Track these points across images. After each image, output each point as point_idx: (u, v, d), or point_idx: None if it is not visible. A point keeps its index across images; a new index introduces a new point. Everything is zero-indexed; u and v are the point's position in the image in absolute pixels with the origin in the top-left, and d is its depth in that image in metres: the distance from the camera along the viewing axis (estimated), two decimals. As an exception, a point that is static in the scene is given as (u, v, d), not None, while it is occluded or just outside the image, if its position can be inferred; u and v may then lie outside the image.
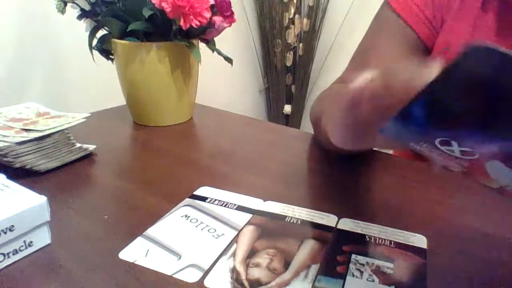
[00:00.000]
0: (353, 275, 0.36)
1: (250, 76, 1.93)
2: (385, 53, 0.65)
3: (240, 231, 0.42)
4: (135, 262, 0.37)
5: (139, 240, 0.41)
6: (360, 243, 0.41)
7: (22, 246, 0.37)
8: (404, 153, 0.73)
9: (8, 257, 0.37)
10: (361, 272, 0.37)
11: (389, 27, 0.66)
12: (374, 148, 0.61)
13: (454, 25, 0.62)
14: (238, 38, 1.78)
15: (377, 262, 0.38)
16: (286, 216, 0.45)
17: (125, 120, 0.77)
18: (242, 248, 0.39)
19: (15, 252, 0.37)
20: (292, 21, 1.76)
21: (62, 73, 1.22)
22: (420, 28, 0.64)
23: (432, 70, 0.24)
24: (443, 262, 0.39)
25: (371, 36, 0.69)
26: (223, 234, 0.42)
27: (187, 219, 0.44)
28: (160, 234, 0.41)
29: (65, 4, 0.71)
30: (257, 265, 0.37)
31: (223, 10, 0.70)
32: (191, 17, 0.64)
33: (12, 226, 0.36)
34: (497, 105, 0.22)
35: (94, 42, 0.76)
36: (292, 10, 1.75)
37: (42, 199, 0.38)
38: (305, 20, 1.78)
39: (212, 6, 0.67)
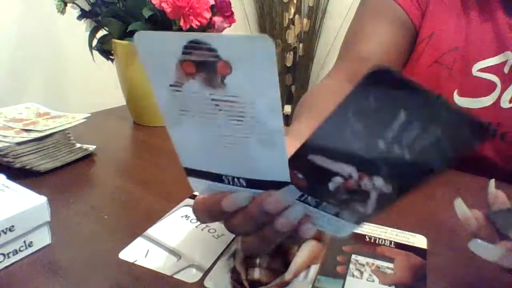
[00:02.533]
0: (353, 275, 0.36)
1: (250, 76, 1.93)
2: (375, 33, 0.63)
3: (240, 231, 0.42)
4: (135, 262, 0.37)
5: (139, 240, 0.41)
6: (360, 243, 0.41)
7: (22, 246, 0.37)
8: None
9: (8, 257, 0.37)
10: (361, 272, 0.37)
11: (379, 8, 0.64)
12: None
13: (438, 10, 0.62)
14: (238, 38, 1.78)
15: (377, 262, 0.38)
16: (286, 216, 0.45)
17: (125, 120, 0.77)
18: (242, 248, 0.39)
19: (15, 252, 0.37)
20: (292, 21, 1.76)
21: (62, 73, 1.22)
22: (409, 8, 0.63)
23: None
24: (443, 262, 0.39)
25: (359, 20, 0.67)
26: (223, 234, 0.41)
27: (187, 219, 0.44)
28: (160, 234, 0.41)
29: (65, 5, 0.71)
30: (257, 265, 0.37)
31: (223, 10, 0.70)
32: (191, 17, 0.64)
33: (12, 226, 0.36)
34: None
35: (94, 42, 0.76)
36: (292, 10, 1.75)
37: (42, 199, 0.38)
38: (305, 20, 1.78)
39: (212, 7, 0.67)
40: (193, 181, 0.32)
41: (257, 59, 0.23)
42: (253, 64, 0.23)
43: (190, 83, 0.25)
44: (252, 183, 0.30)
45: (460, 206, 0.33)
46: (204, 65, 0.24)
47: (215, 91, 0.25)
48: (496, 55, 0.58)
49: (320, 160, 0.27)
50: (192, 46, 0.23)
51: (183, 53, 0.24)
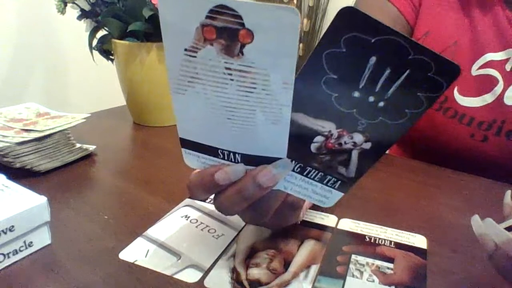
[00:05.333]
0: (353, 275, 0.36)
1: (250, 76, 1.93)
2: None
3: (240, 231, 0.42)
4: (135, 262, 0.37)
5: (139, 240, 0.41)
6: (360, 243, 0.41)
7: (22, 246, 0.37)
8: (403, 152, 0.73)
9: (8, 257, 0.37)
10: (361, 272, 0.37)
11: (372, 8, 0.64)
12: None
13: (433, 6, 0.62)
14: (238, 38, 1.78)
15: (377, 262, 0.38)
16: (286, 216, 0.45)
17: (125, 120, 0.77)
18: (242, 248, 0.39)
19: (15, 252, 0.37)
20: (292, 21, 1.76)
21: (62, 73, 1.22)
22: (403, 6, 0.63)
23: None
24: (443, 262, 0.39)
25: None
26: (223, 234, 0.42)
27: (187, 219, 0.44)
28: (160, 234, 0.41)
29: (65, 5, 0.71)
30: (257, 265, 0.37)
31: (223, 10, 0.70)
32: (191, 17, 0.64)
33: (12, 226, 0.36)
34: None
35: (94, 42, 0.76)
36: (292, 10, 1.75)
37: (42, 199, 0.38)
38: (305, 20, 1.78)
39: (212, 6, 0.67)
40: (186, 153, 0.32)
41: (281, 30, 0.23)
42: (276, 34, 0.23)
43: (206, 50, 0.25)
44: (247, 159, 0.30)
45: (477, 224, 0.32)
46: (225, 32, 0.24)
47: (231, 60, 0.25)
48: (499, 51, 0.57)
49: (301, 118, 0.28)
50: (217, 11, 0.23)
51: (207, 17, 0.23)
